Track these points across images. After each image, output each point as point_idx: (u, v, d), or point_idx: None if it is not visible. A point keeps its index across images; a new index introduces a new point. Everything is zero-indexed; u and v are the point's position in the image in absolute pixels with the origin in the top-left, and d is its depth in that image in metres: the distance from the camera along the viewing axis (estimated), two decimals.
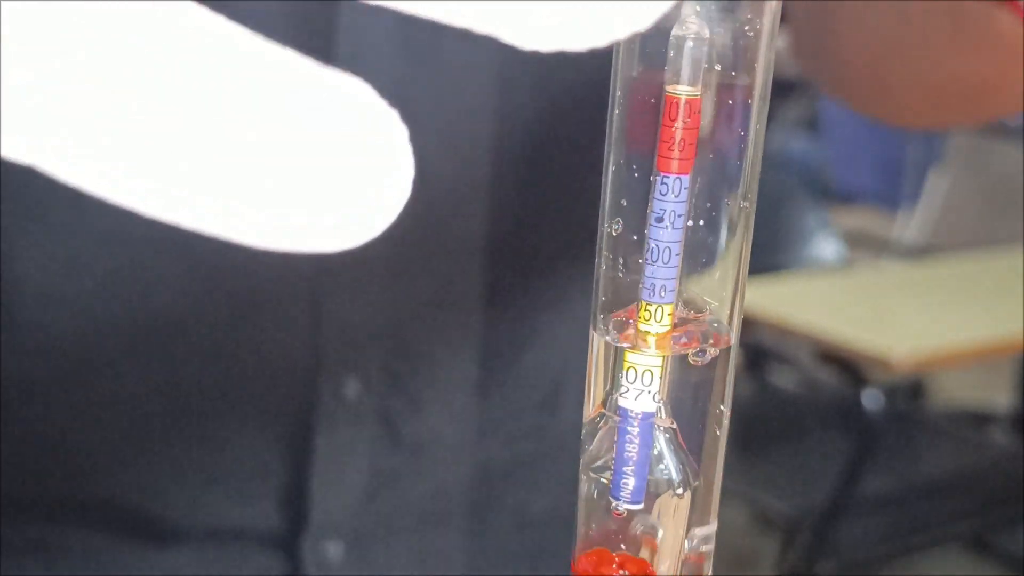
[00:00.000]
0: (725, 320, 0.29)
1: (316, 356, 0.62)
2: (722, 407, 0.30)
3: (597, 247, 0.30)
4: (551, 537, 0.75)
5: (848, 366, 2.31)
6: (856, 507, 2.19)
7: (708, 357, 0.29)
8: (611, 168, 0.28)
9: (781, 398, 2.73)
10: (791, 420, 2.61)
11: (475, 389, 0.67)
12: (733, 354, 0.30)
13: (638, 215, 0.28)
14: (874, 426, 2.19)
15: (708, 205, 0.28)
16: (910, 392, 2.91)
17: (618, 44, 0.27)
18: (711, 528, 0.31)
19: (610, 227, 0.29)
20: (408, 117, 0.58)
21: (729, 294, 0.29)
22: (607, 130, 0.28)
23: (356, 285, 0.62)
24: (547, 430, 0.71)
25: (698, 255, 0.29)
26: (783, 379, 2.79)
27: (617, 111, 0.28)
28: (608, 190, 0.29)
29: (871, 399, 2.18)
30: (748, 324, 2.26)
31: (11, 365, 0.62)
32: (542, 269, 0.68)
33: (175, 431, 0.64)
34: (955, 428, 2.74)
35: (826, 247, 2.78)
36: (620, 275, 0.29)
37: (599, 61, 0.58)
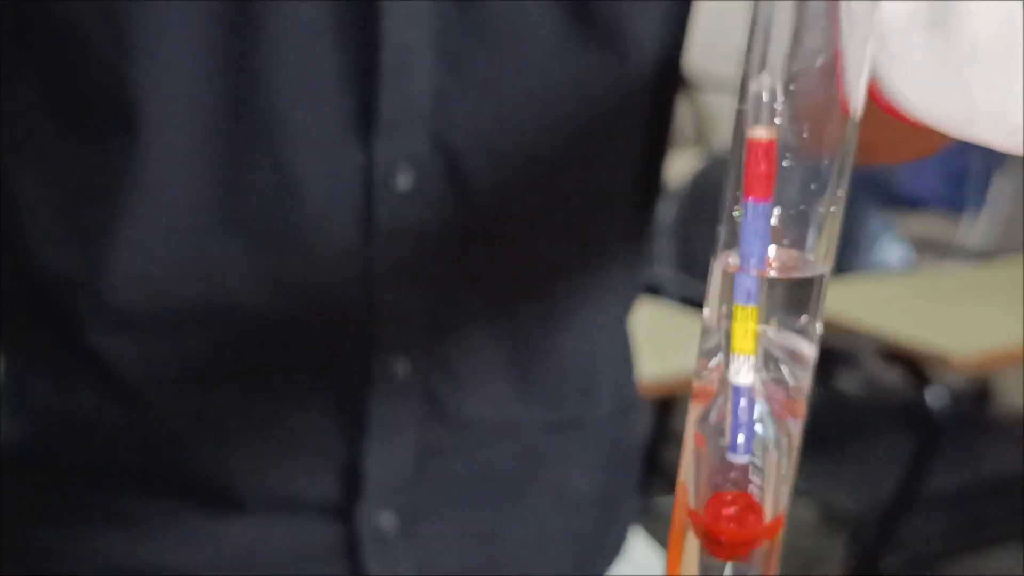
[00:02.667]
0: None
1: (369, 339, 0.65)
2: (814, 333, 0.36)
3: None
4: (591, 517, 0.78)
5: (912, 366, 2.32)
6: (920, 504, 2.21)
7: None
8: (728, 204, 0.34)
9: (848, 399, 2.75)
10: (858, 420, 2.62)
11: (513, 374, 0.70)
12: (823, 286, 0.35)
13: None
14: (938, 424, 2.19)
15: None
16: (975, 394, 2.92)
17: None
18: (788, 487, 0.37)
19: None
20: (446, 121, 0.68)
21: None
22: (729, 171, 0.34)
23: (405, 274, 0.65)
24: (584, 419, 0.74)
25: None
26: (850, 382, 2.80)
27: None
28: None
29: (935, 398, 2.19)
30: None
31: (100, 342, 0.65)
32: (576, 265, 0.70)
33: (243, 408, 0.67)
34: (1019, 428, 2.74)
35: (892, 251, 2.79)
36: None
37: (622, 80, 0.64)
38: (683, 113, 3.59)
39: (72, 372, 0.67)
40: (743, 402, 0.35)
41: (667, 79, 0.69)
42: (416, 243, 0.64)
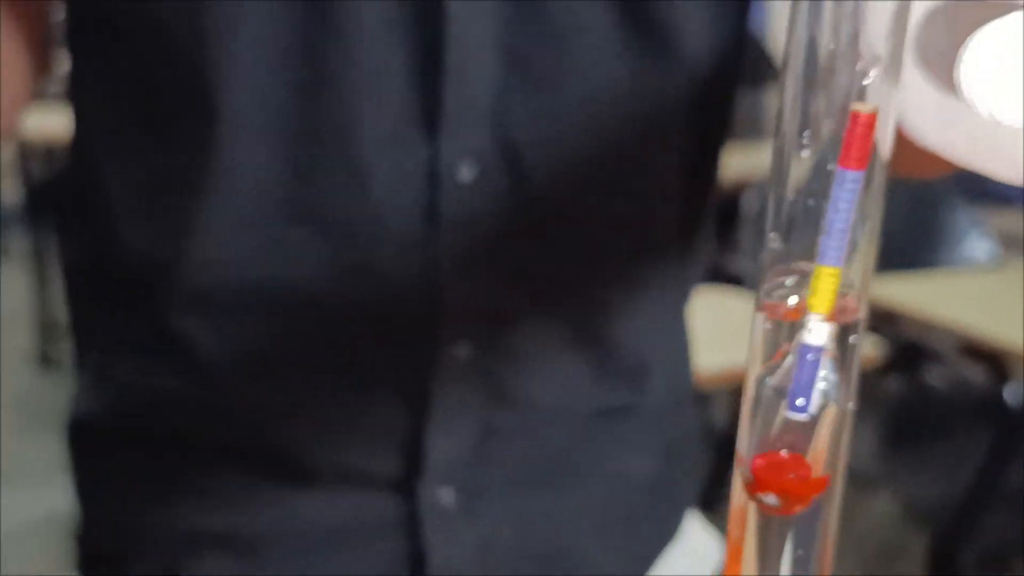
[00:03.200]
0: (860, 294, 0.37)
1: (432, 324, 0.67)
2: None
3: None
4: (647, 501, 0.79)
5: (993, 361, 2.31)
6: (997, 500, 2.20)
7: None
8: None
9: (931, 393, 2.73)
10: (940, 414, 2.61)
11: (570, 360, 0.72)
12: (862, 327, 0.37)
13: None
14: (1015, 420, 2.19)
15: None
16: None
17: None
18: (844, 451, 0.39)
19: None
20: (507, 117, 0.70)
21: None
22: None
23: (468, 263, 0.66)
24: (638, 406, 0.76)
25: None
26: (934, 376, 2.79)
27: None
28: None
29: (1013, 394, 2.19)
30: (896, 318, 2.30)
31: (177, 322, 0.68)
32: (642, 256, 0.72)
33: (311, 387, 0.68)
34: None
35: (978, 247, 2.76)
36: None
37: (675, 78, 0.65)
38: (773, 106, 3.58)
39: (151, 350, 0.70)
40: (811, 358, 0.36)
41: (723, 78, 0.70)
42: (478, 233, 0.66)
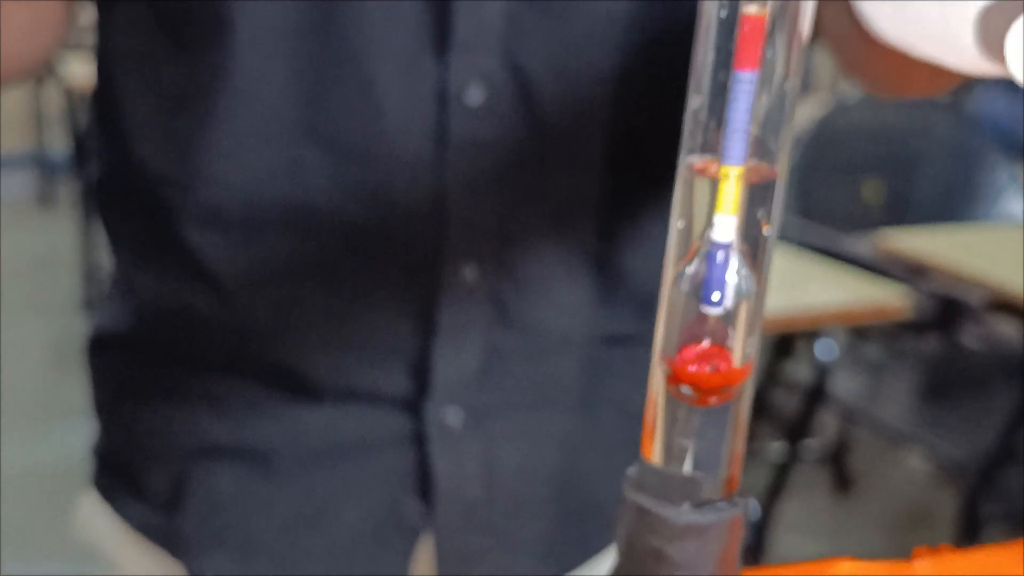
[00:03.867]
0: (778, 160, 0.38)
1: (440, 245, 0.68)
2: (770, 229, 0.39)
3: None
4: None
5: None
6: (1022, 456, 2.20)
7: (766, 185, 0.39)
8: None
9: (961, 352, 2.72)
10: (972, 371, 2.59)
11: (576, 286, 0.73)
12: (779, 185, 0.39)
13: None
14: None
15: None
16: None
17: None
18: (757, 340, 0.40)
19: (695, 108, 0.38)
20: (516, 42, 0.70)
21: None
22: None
23: (475, 185, 0.67)
24: (644, 336, 0.75)
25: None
26: (964, 334, 2.77)
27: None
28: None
29: None
30: (928, 271, 2.28)
31: (192, 238, 0.69)
32: (648, 184, 0.73)
33: (323, 302, 0.70)
34: None
35: (1016, 203, 2.75)
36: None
37: (685, 9, 0.66)
38: (818, 60, 3.55)
39: (168, 264, 0.71)
40: (720, 256, 0.38)
41: None
42: (486, 156, 0.67)
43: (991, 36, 0.37)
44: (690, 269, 0.39)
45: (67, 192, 5.09)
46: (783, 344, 2.61)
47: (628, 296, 0.75)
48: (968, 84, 2.84)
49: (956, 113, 2.90)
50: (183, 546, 0.75)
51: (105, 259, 3.86)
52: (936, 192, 2.80)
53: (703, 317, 0.39)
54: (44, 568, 2.59)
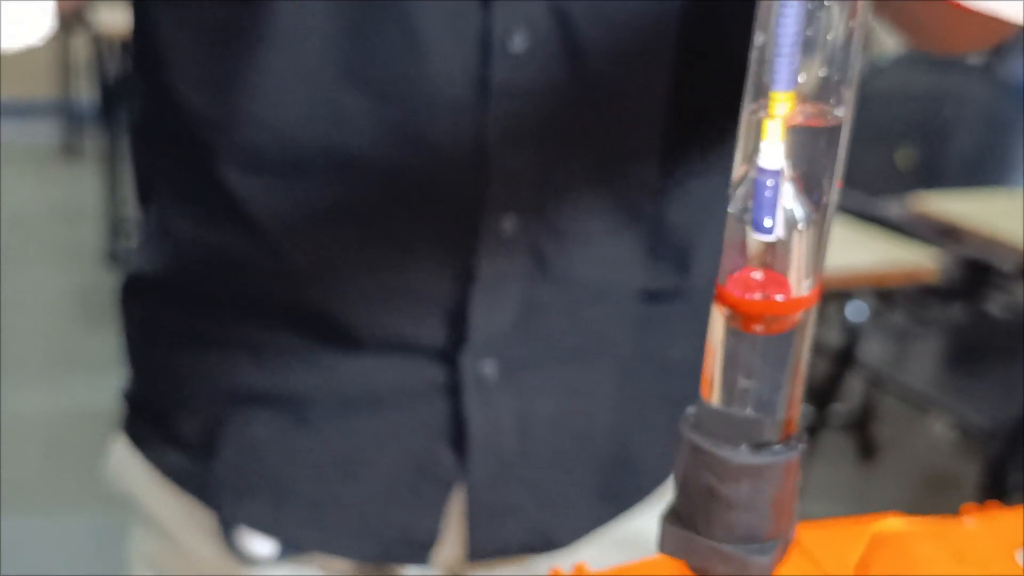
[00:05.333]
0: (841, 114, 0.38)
1: (480, 194, 0.67)
2: (835, 176, 0.38)
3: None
4: (687, 387, 0.79)
5: None
6: None
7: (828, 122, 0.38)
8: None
9: (989, 319, 2.71)
10: (997, 338, 2.59)
11: (615, 239, 0.72)
12: (844, 133, 0.38)
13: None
14: None
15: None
16: None
17: None
18: (814, 278, 0.39)
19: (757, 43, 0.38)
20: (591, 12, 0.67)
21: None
22: None
23: (517, 133, 0.67)
24: (682, 290, 0.76)
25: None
26: (992, 301, 2.77)
27: None
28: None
29: None
30: (961, 234, 2.27)
31: (232, 180, 0.69)
32: (693, 139, 0.72)
33: (361, 249, 0.69)
34: None
35: None
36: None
37: None
38: None
39: (207, 207, 0.71)
40: (769, 183, 0.37)
41: None
42: (529, 104, 0.67)
43: None
44: (740, 193, 0.38)
45: (93, 142, 5.10)
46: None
47: (669, 251, 0.74)
48: (1004, 46, 2.81)
49: (990, 78, 2.88)
50: (215, 493, 0.75)
51: (131, 210, 3.87)
52: (969, 157, 2.79)
53: (756, 244, 0.38)
54: (69, 518, 2.61)
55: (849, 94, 0.38)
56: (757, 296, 0.38)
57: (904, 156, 2.80)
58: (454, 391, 0.72)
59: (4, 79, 5.97)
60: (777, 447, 0.40)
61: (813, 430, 2.62)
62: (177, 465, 0.77)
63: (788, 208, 0.37)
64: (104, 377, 3.15)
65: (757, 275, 0.38)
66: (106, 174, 4.24)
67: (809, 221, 0.38)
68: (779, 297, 0.38)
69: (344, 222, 0.69)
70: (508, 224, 0.69)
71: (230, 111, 0.67)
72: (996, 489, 2.29)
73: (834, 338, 2.61)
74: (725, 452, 0.39)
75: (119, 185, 4.11)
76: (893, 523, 0.54)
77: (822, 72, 0.37)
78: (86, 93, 5.53)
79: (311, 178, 0.68)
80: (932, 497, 2.76)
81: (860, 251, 2.14)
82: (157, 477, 0.78)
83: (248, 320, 0.73)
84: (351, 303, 0.71)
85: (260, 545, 0.75)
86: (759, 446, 0.40)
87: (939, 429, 3.02)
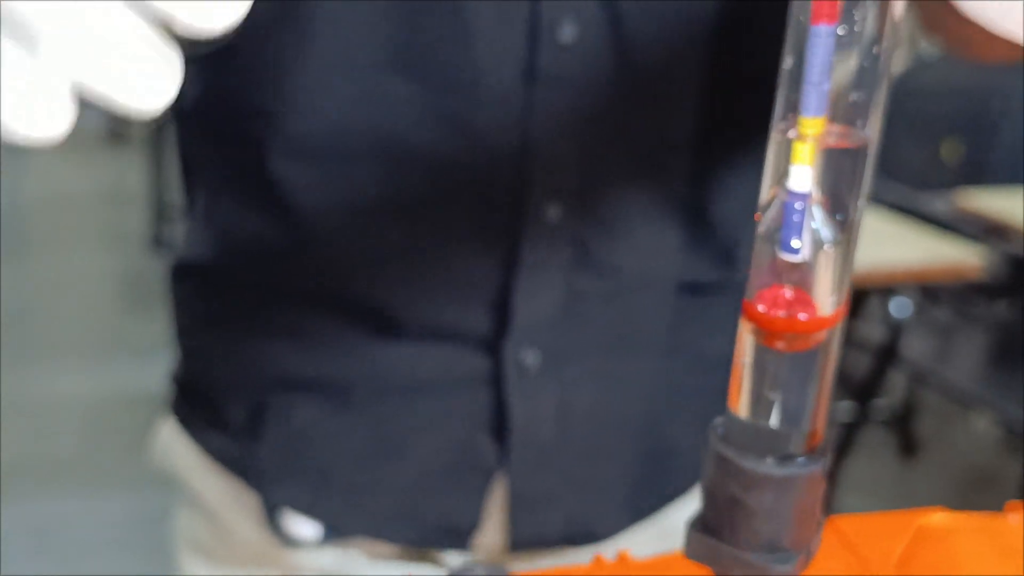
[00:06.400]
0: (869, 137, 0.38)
1: (525, 182, 0.67)
2: (861, 195, 0.39)
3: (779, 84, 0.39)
4: (724, 380, 0.78)
5: None
6: None
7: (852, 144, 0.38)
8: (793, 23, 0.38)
9: None
10: None
11: (658, 229, 0.72)
12: (872, 153, 0.39)
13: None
14: None
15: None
16: None
17: None
18: (841, 296, 0.40)
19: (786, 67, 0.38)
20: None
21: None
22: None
23: (563, 122, 0.67)
24: (723, 283, 0.75)
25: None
26: None
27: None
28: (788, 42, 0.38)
29: None
30: (1005, 231, 2.25)
31: (278, 168, 0.69)
32: (738, 132, 0.71)
33: (405, 236, 0.69)
34: None
35: None
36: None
37: None
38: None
39: (252, 195, 0.71)
40: (798, 205, 0.38)
41: None
42: (574, 94, 0.67)
43: None
44: (769, 214, 0.39)
45: (139, 128, 5.13)
46: (853, 302, 2.58)
47: (712, 244, 0.74)
48: None
49: None
50: (260, 476, 0.76)
51: (176, 196, 3.89)
52: (1016, 152, 2.76)
53: (783, 263, 0.39)
54: (111, 500, 2.63)
55: (876, 116, 0.38)
56: (782, 314, 0.39)
57: (950, 151, 2.78)
58: (496, 380, 0.72)
59: None
60: (801, 459, 0.41)
61: (854, 425, 2.61)
62: (223, 448, 0.77)
63: (815, 229, 0.38)
64: (147, 361, 3.18)
65: (783, 293, 0.39)
66: (151, 159, 4.27)
67: (835, 242, 0.39)
68: (803, 316, 0.39)
69: (388, 210, 0.69)
70: (552, 212, 0.69)
71: (277, 98, 0.67)
72: None
73: (877, 333, 2.60)
74: (750, 463, 0.40)
75: (164, 170, 4.14)
76: (937, 518, 0.54)
77: (850, 95, 0.38)
78: None
79: (356, 165, 0.68)
80: (974, 494, 2.74)
81: (904, 246, 2.13)
82: (203, 459, 0.79)
83: (292, 307, 0.73)
84: (394, 291, 0.71)
85: (304, 528, 0.76)
86: (784, 458, 0.41)
87: (982, 426, 3.00)
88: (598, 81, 0.67)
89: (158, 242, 4.15)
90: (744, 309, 0.40)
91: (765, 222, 0.39)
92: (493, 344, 0.71)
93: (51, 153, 5.40)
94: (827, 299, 0.39)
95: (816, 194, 0.38)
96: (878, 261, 2.08)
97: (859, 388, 2.64)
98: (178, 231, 0.81)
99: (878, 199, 2.46)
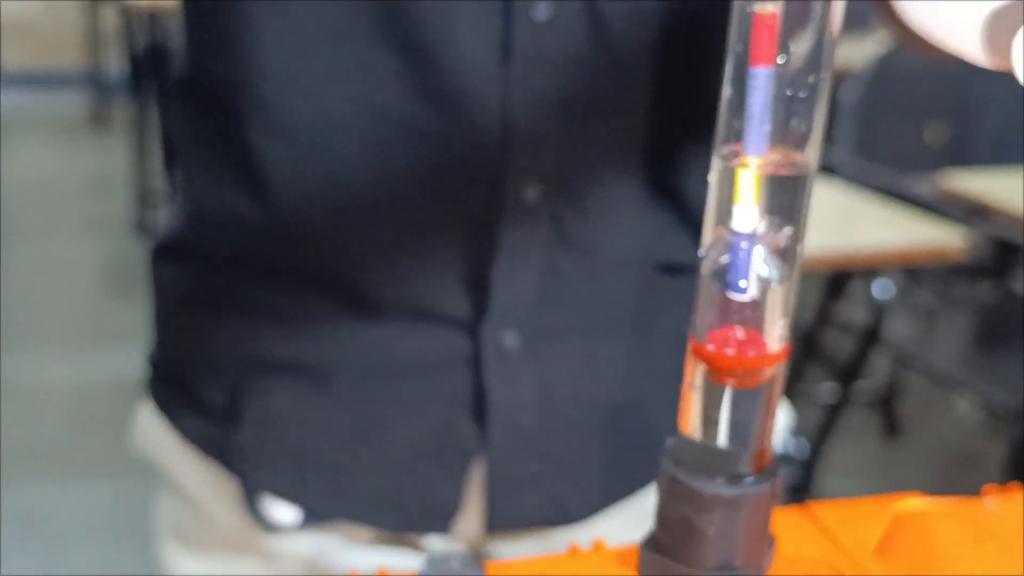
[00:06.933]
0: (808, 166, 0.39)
1: (503, 162, 0.67)
2: (800, 224, 0.40)
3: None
4: None
5: None
6: None
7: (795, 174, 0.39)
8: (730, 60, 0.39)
9: (1015, 298, 2.71)
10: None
11: (635, 210, 0.72)
12: (809, 183, 0.40)
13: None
14: None
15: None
16: None
17: None
18: (788, 323, 0.41)
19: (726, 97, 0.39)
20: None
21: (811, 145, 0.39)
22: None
23: (540, 101, 0.67)
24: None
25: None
26: (1018, 280, 2.76)
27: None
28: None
29: None
30: (988, 212, 2.25)
31: (256, 142, 0.69)
32: (701, 111, 0.70)
33: (381, 217, 0.69)
34: None
35: None
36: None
37: None
38: None
39: (231, 171, 0.71)
40: (743, 245, 0.39)
41: None
42: (551, 72, 0.67)
43: (998, 39, 0.38)
44: (714, 255, 0.40)
45: (122, 113, 5.12)
46: (837, 284, 2.59)
47: (688, 224, 0.74)
48: None
49: None
50: (238, 460, 0.75)
51: (159, 182, 3.89)
52: (999, 134, 2.77)
53: (730, 302, 0.40)
54: (95, 486, 2.63)
55: (815, 145, 0.39)
56: (731, 352, 0.40)
57: (934, 133, 2.78)
58: (475, 362, 0.72)
59: (33, 49, 6.00)
60: (749, 479, 0.41)
61: (837, 407, 2.61)
62: (201, 431, 0.77)
63: (761, 268, 0.39)
64: (131, 347, 3.17)
65: (734, 333, 0.40)
66: (134, 144, 4.26)
67: (781, 279, 0.40)
68: (752, 353, 0.40)
69: (367, 186, 0.69)
70: (531, 192, 0.69)
71: (255, 69, 0.67)
72: (1021, 469, 2.28)
73: (860, 315, 2.61)
74: (699, 483, 0.41)
75: (147, 155, 4.12)
76: (914, 503, 0.54)
77: (789, 125, 0.39)
78: (115, 63, 5.55)
79: (337, 139, 0.68)
80: (956, 477, 2.75)
81: (887, 228, 2.13)
82: (182, 443, 0.78)
83: (270, 286, 0.73)
84: (372, 270, 0.71)
85: (283, 513, 0.75)
86: (733, 478, 0.41)
87: (964, 408, 3.02)
88: (574, 60, 0.67)
89: (141, 228, 4.14)
90: (694, 349, 0.41)
91: (708, 262, 0.40)
92: (472, 326, 0.71)
93: (33, 138, 5.39)
94: (775, 335, 0.40)
95: (761, 231, 0.39)
96: (861, 243, 2.08)
97: (842, 370, 2.65)
98: (162, 217, 0.80)
99: (861, 181, 2.46)
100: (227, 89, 0.69)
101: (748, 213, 0.39)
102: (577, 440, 0.76)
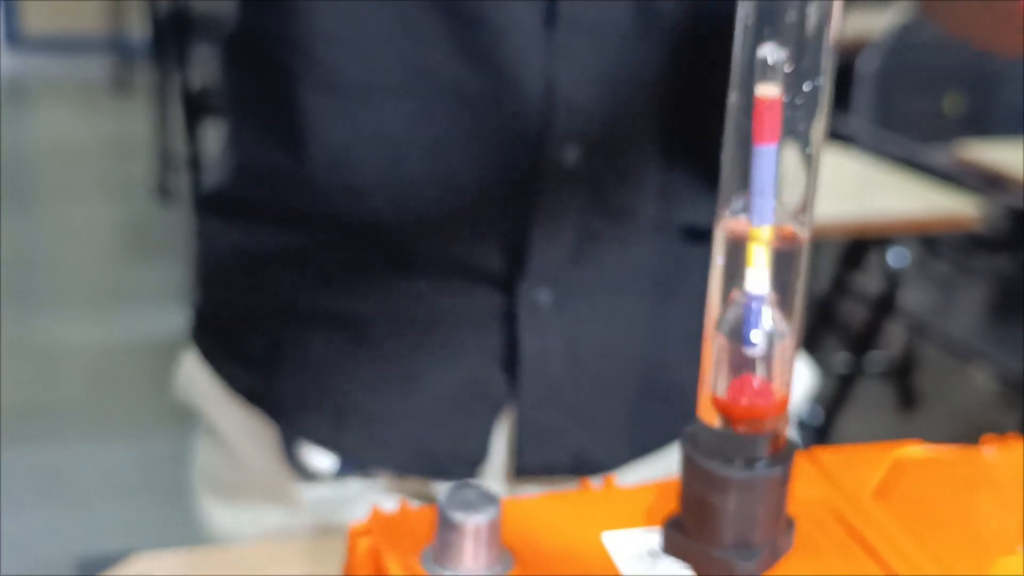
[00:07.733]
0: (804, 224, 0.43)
1: (545, 123, 0.69)
2: (800, 284, 0.43)
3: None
4: None
5: None
6: None
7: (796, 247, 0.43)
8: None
9: None
10: None
11: (667, 176, 0.73)
12: (806, 249, 0.43)
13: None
14: None
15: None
16: None
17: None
18: (798, 363, 0.44)
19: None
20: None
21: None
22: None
23: (583, 65, 0.68)
24: None
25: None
26: None
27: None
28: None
29: None
30: (1004, 183, 2.25)
31: (307, 100, 0.71)
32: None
33: (428, 175, 0.71)
34: None
35: None
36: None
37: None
38: None
39: (278, 127, 0.72)
40: (755, 305, 0.43)
41: None
42: (594, 38, 0.68)
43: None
44: (729, 314, 0.44)
45: (144, 77, 5.13)
46: (853, 254, 2.59)
47: (705, 197, 0.75)
48: None
49: None
50: (277, 407, 0.77)
51: (180, 146, 3.90)
52: (1017, 105, 2.76)
53: (743, 356, 0.44)
54: (115, 447, 2.65)
55: (809, 216, 0.43)
56: (744, 402, 0.44)
57: (952, 103, 2.78)
58: (509, 317, 0.74)
59: (56, 13, 6.01)
60: (762, 463, 0.44)
61: (850, 377, 2.61)
62: (243, 379, 0.79)
63: (769, 324, 0.43)
64: (152, 310, 3.20)
65: (751, 383, 0.44)
66: (156, 109, 4.26)
67: (786, 334, 0.43)
68: (763, 403, 0.44)
69: (412, 144, 0.70)
70: (571, 156, 0.70)
71: (308, 28, 0.69)
72: None
73: (874, 284, 2.61)
74: (715, 466, 0.44)
75: (169, 120, 4.13)
76: (914, 450, 0.55)
77: (788, 198, 0.42)
78: (137, 28, 5.55)
79: (385, 98, 0.69)
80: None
81: (903, 197, 2.14)
82: (223, 391, 0.80)
83: (313, 240, 0.75)
84: (415, 228, 0.72)
85: (319, 460, 0.78)
86: (749, 461, 0.44)
87: (980, 379, 3.02)
88: (617, 26, 0.68)
89: (163, 191, 4.15)
90: (712, 401, 0.45)
91: (726, 322, 0.44)
92: (508, 283, 0.73)
93: (55, 103, 5.40)
94: (782, 382, 0.44)
95: (768, 293, 0.43)
96: (876, 211, 2.08)
97: (856, 339, 2.65)
98: (183, 180, 0.82)
99: (879, 150, 2.46)
100: (279, 47, 0.71)
101: (760, 275, 0.42)
102: (604, 393, 0.78)
